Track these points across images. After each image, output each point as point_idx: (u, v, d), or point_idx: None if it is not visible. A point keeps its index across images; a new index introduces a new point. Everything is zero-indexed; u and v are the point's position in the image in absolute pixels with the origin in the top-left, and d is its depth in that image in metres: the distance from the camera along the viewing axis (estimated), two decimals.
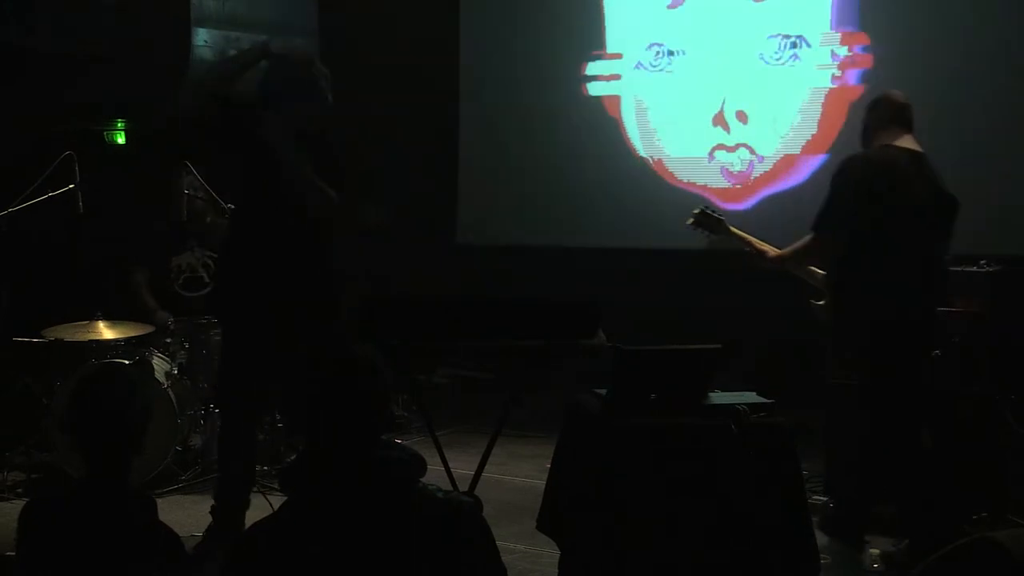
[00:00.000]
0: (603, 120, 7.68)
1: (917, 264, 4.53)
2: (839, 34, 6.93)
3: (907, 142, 4.60)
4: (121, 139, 7.49)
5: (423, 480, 2.45)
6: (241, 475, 4.65)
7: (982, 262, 5.18)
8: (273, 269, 4.50)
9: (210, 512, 4.65)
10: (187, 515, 5.17)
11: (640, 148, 7.55)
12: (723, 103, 7.26)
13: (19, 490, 5.64)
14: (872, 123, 4.69)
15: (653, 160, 7.51)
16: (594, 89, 7.71)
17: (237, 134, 4.48)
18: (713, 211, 5.01)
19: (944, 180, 4.62)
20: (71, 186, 5.73)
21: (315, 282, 4.55)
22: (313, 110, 4.49)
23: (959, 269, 5.11)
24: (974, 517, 4.88)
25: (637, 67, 7.57)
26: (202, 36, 7.02)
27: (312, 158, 4.42)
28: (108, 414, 2.87)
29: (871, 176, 4.53)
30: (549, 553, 4.14)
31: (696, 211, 5.01)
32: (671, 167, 7.47)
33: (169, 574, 2.83)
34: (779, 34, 7.07)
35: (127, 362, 5.70)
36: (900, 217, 4.50)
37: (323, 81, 4.51)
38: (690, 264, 6.80)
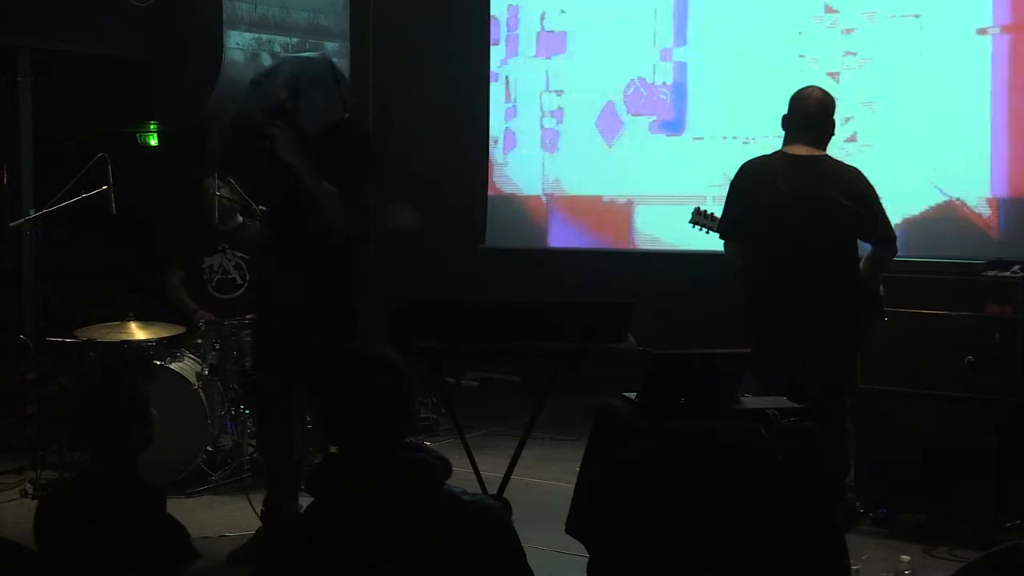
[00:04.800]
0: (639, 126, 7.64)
1: (777, 263, 4.74)
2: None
3: (797, 149, 4.81)
4: (153, 141, 7.54)
5: (448, 483, 2.45)
6: (283, 474, 4.71)
7: (1016, 267, 5.15)
8: (300, 275, 4.64)
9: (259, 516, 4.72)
10: (217, 515, 5.20)
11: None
12: None
13: (51, 489, 5.68)
14: (783, 122, 4.91)
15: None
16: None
17: (258, 157, 4.64)
18: (705, 209, 5.19)
19: (831, 181, 4.74)
20: (104, 187, 5.77)
21: (336, 290, 4.67)
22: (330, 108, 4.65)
23: (993, 275, 5.09)
24: (1007, 524, 4.85)
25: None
26: (234, 39, 7.05)
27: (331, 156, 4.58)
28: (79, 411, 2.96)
29: (739, 182, 4.89)
30: (578, 556, 4.13)
31: (693, 211, 5.25)
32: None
33: (173, 565, 2.89)
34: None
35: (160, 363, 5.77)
36: (757, 220, 4.78)
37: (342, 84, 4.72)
38: (719, 267, 6.78)
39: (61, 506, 3.01)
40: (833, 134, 4.91)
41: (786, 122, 4.88)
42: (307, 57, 5.18)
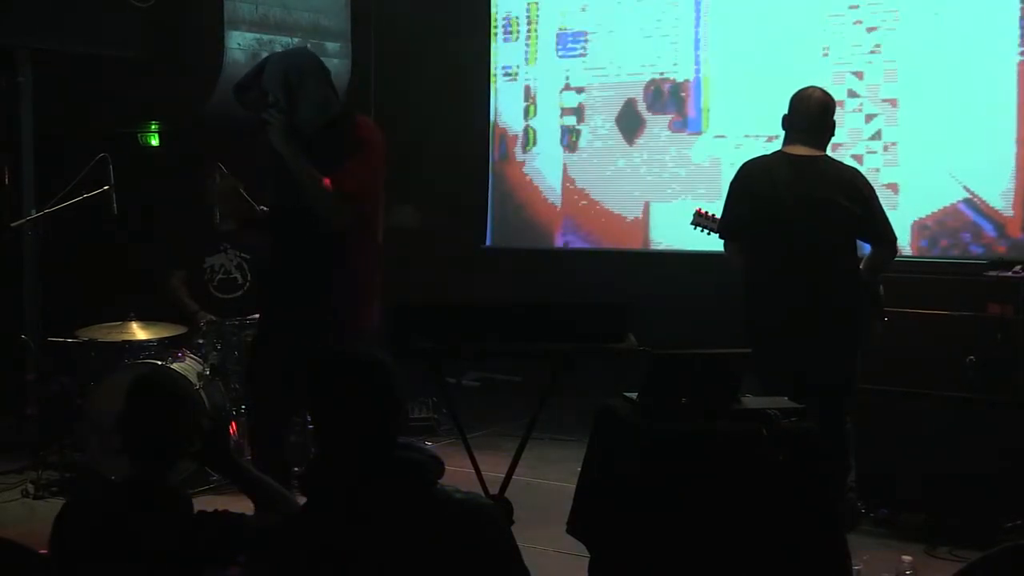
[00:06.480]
0: (649, 128, 7.62)
1: (777, 264, 4.77)
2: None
3: (797, 149, 4.82)
4: (154, 141, 7.54)
5: (442, 482, 2.44)
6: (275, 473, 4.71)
7: (1017, 267, 5.15)
8: (286, 277, 4.57)
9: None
10: None
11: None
12: None
13: (53, 488, 5.69)
14: (783, 122, 4.92)
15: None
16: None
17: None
18: (706, 211, 5.22)
19: (830, 182, 4.76)
20: (105, 187, 5.77)
21: (316, 292, 4.56)
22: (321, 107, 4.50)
23: (994, 274, 5.10)
24: (1008, 525, 4.85)
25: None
26: (235, 39, 7.05)
27: (323, 155, 4.42)
28: (164, 422, 2.89)
29: (739, 182, 4.92)
30: (579, 556, 4.13)
31: (694, 212, 5.27)
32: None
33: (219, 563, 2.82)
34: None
35: (161, 363, 5.75)
36: (757, 220, 4.81)
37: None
38: (718, 267, 6.79)
39: (86, 513, 2.90)
40: (833, 134, 4.91)
41: (786, 122, 4.88)
42: (294, 51, 5.00)
